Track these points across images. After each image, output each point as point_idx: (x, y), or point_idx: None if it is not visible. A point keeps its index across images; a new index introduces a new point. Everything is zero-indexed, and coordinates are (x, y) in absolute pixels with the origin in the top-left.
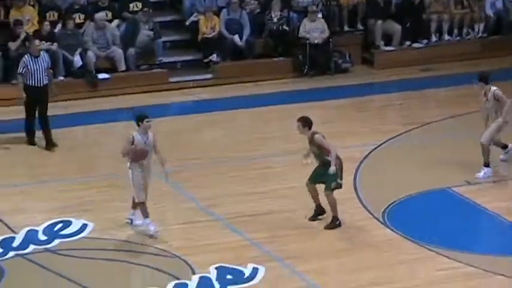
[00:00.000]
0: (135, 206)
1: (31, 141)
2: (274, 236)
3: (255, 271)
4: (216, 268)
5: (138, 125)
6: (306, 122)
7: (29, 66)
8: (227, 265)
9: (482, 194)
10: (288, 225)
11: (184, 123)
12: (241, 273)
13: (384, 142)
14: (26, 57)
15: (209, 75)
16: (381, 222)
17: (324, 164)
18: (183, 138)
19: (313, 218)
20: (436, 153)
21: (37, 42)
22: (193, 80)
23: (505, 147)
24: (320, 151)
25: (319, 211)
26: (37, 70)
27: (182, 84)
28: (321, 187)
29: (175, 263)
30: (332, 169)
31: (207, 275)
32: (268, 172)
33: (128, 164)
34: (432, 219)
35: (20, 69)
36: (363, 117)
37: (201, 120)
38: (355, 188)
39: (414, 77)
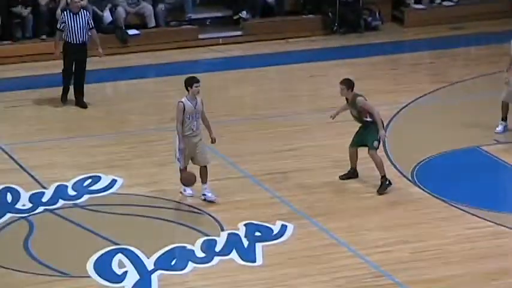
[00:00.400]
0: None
1: (64, 98)
2: (303, 194)
3: (283, 228)
4: (245, 225)
5: (188, 90)
6: (349, 84)
7: (67, 23)
8: (256, 222)
9: (510, 153)
10: (317, 183)
11: (213, 80)
12: (270, 230)
13: (413, 101)
14: (65, 13)
15: (238, 32)
16: (410, 181)
17: (364, 126)
18: (212, 96)
19: (344, 177)
20: (465, 112)
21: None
22: (222, 37)
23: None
24: (360, 113)
25: (352, 174)
26: (76, 27)
27: (211, 41)
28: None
29: (204, 219)
30: (382, 133)
31: (236, 231)
32: (297, 130)
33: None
34: (461, 178)
35: (58, 25)
36: (393, 76)
37: (230, 77)
38: (385, 147)
39: (444, 36)
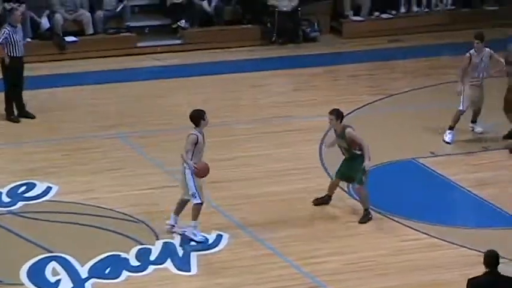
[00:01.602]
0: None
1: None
2: (240, 204)
3: (219, 238)
4: (180, 234)
5: (199, 123)
6: (338, 115)
7: (9, 37)
8: None
9: (447, 166)
10: (252, 193)
11: (151, 89)
12: (206, 239)
13: (351, 112)
14: (7, 27)
15: (177, 41)
16: (346, 192)
17: (352, 158)
18: (150, 104)
19: (318, 203)
20: (403, 124)
21: (19, 12)
22: (161, 45)
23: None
24: (350, 145)
25: (326, 200)
26: (18, 40)
27: (150, 49)
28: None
29: (140, 228)
30: (367, 164)
31: (171, 240)
32: (233, 139)
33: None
34: (397, 190)
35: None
36: (331, 87)
37: (168, 85)
38: (321, 158)
39: (382, 48)
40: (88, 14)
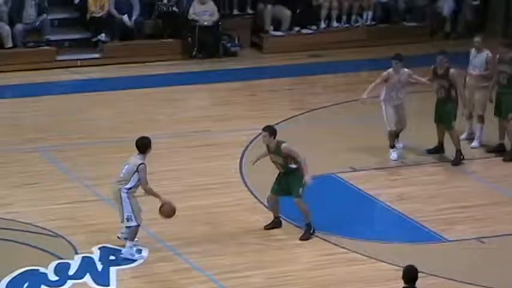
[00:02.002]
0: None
1: None
2: (158, 218)
3: (138, 252)
4: (99, 248)
5: (145, 152)
6: (272, 132)
7: None
8: (111, 246)
9: (367, 180)
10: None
11: (70, 102)
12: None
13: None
14: None
15: (97, 55)
16: (265, 207)
17: (288, 173)
18: (69, 117)
19: (269, 227)
20: (323, 139)
21: None
22: (81, 59)
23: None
24: (285, 160)
25: (276, 224)
26: None
27: (70, 63)
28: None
29: (58, 242)
30: (307, 178)
31: (90, 255)
32: (152, 154)
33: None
34: (317, 205)
35: None
36: (252, 101)
37: (88, 99)
38: (241, 172)
39: (302, 63)
40: (7, 27)
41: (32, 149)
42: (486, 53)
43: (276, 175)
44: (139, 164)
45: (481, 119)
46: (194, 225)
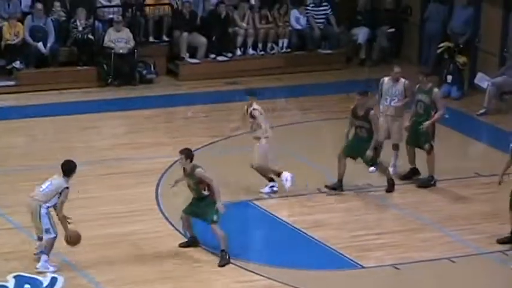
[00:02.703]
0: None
1: None
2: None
3: (53, 281)
4: (14, 277)
5: (70, 175)
6: (188, 155)
7: None
8: (25, 274)
9: (282, 207)
10: (86, 235)
11: None
12: (40, 282)
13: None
14: None
15: (12, 82)
16: (182, 234)
17: (200, 198)
18: None
19: (184, 245)
20: (239, 166)
21: None
22: None
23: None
24: (198, 185)
25: (192, 242)
26: None
27: None
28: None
29: None
30: (219, 206)
31: (5, 283)
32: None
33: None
34: (233, 231)
35: None
36: (167, 128)
37: (2, 127)
38: (157, 199)
39: (219, 90)
40: None
41: None
42: (403, 81)
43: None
44: (65, 188)
45: (396, 147)
46: (111, 253)
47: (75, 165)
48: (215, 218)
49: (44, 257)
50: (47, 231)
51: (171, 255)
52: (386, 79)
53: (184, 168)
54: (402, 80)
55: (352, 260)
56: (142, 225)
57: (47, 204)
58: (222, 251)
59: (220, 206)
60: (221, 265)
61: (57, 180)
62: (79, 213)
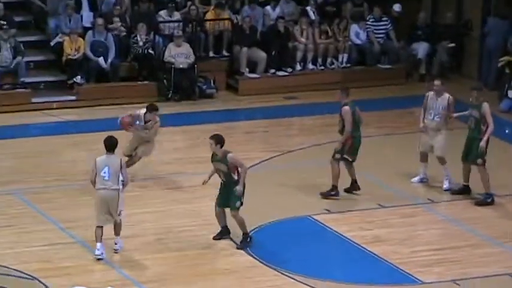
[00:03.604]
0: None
1: None
2: (133, 260)
3: None
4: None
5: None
6: (218, 140)
7: None
8: None
9: (342, 223)
10: (148, 249)
11: (46, 145)
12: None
13: (248, 168)
14: None
15: (73, 97)
16: (239, 247)
17: (228, 184)
18: (45, 160)
19: (219, 237)
20: (299, 181)
21: None
22: (56, 101)
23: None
24: (229, 170)
25: (225, 233)
26: None
27: (45, 105)
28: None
29: (33, 284)
30: (238, 189)
31: None
32: (128, 196)
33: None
34: (292, 247)
35: None
36: (227, 143)
37: (64, 141)
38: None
39: (278, 105)
40: None
41: (8, 192)
42: (448, 97)
43: (219, 187)
44: (120, 160)
45: (442, 160)
46: (170, 266)
47: (117, 141)
48: (238, 204)
49: (118, 238)
50: (121, 213)
51: (230, 270)
52: (431, 93)
53: (214, 154)
54: (447, 95)
55: (412, 275)
56: (203, 239)
57: (120, 186)
58: (244, 233)
59: (238, 188)
60: (240, 248)
61: (110, 159)
62: (139, 228)
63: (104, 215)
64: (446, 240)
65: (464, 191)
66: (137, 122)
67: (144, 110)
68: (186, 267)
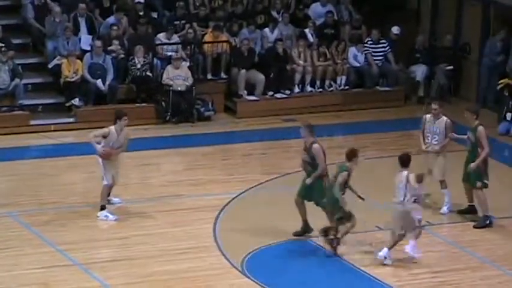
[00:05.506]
0: None
1: None
2: (132, 283)
3: None
4: None
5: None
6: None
7: None
8: None
9: (341, 245)
10: (145, 272)
11: (44, 167)
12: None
13: (245, 191)
14: None
15: (71, 119)
16: (240, 271)
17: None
18: (42, 182)
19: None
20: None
21: None
22: (54, 124)
23: None
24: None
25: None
26: None
27: (43, 127)
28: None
29: None
30: (308, 180)
31: None
32: (125, 218)
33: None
34: (292, 269)
35: None
36: (225, 166)
37: (62, 164)
38: (215, 236)
39: (276, 127)
40: None
41: (5, 214)
42: (445, 120)
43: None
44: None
45: (444, 184)
46: None
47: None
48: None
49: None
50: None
51: None
52: (428, 116)
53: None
54: (444, 118)
55: None
56: (200, 262)
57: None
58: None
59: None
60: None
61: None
62: (137, 250)
63: None
64: (445, 262)
65: (470, 211)
66: (111, 144)
67: (110, 127)
68: None
